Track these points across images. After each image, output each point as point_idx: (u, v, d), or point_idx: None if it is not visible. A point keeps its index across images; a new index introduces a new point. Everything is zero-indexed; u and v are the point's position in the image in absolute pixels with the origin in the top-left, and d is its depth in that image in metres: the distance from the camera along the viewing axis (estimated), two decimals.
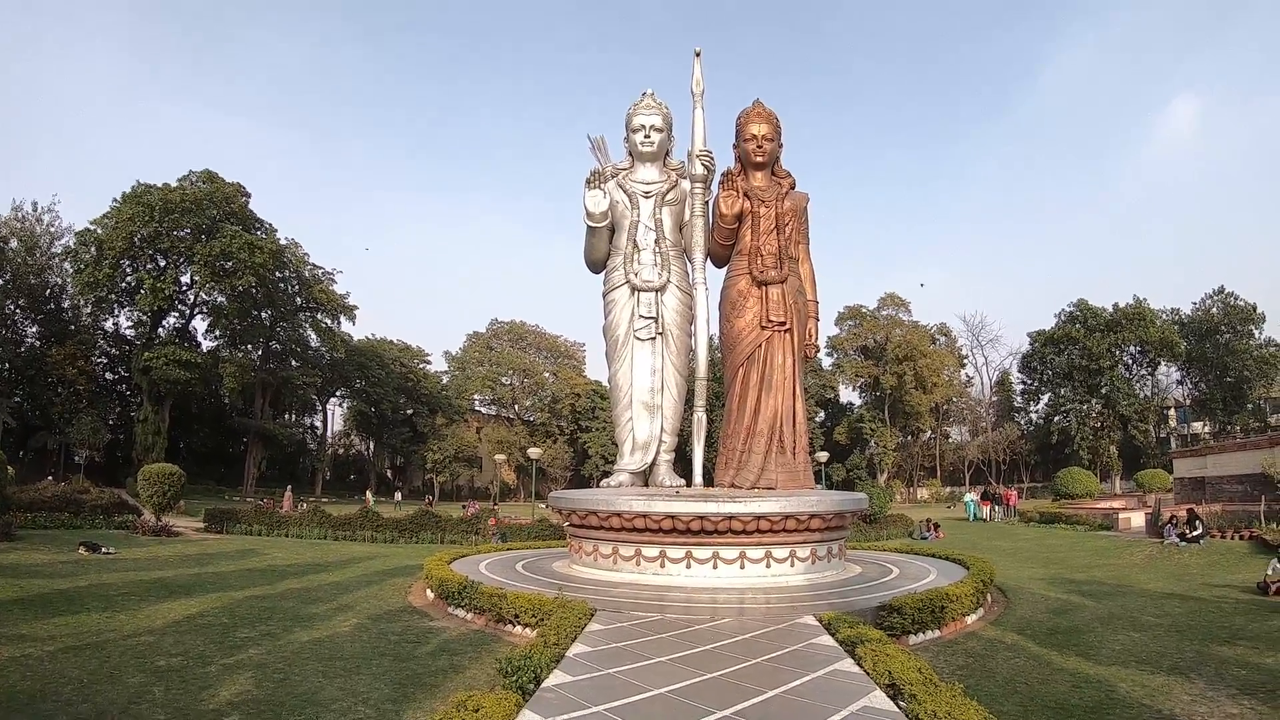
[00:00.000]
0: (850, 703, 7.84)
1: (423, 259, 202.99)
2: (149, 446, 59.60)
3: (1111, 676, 10.24)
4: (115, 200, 60.16)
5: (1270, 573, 16.07)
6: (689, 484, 19.47)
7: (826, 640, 10.84)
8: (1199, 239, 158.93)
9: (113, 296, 63.35)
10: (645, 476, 20.37)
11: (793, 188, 19.72)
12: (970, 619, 14.61)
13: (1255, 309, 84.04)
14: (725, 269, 19.88)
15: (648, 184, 20.42)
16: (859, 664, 9.25)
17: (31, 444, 61.19)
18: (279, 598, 16.14)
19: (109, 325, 69.57)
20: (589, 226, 20.14)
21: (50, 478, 46.92)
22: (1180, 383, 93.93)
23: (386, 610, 15.30)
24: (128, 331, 68.26)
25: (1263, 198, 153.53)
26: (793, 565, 16.88)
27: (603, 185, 19.99)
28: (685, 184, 20.16)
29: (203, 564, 20.64)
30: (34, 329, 65.99)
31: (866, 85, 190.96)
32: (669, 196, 20.35)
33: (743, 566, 16.43)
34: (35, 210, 66.93)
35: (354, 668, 10.54)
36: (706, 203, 19.87)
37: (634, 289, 19.95)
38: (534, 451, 52.60)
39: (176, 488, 30.43)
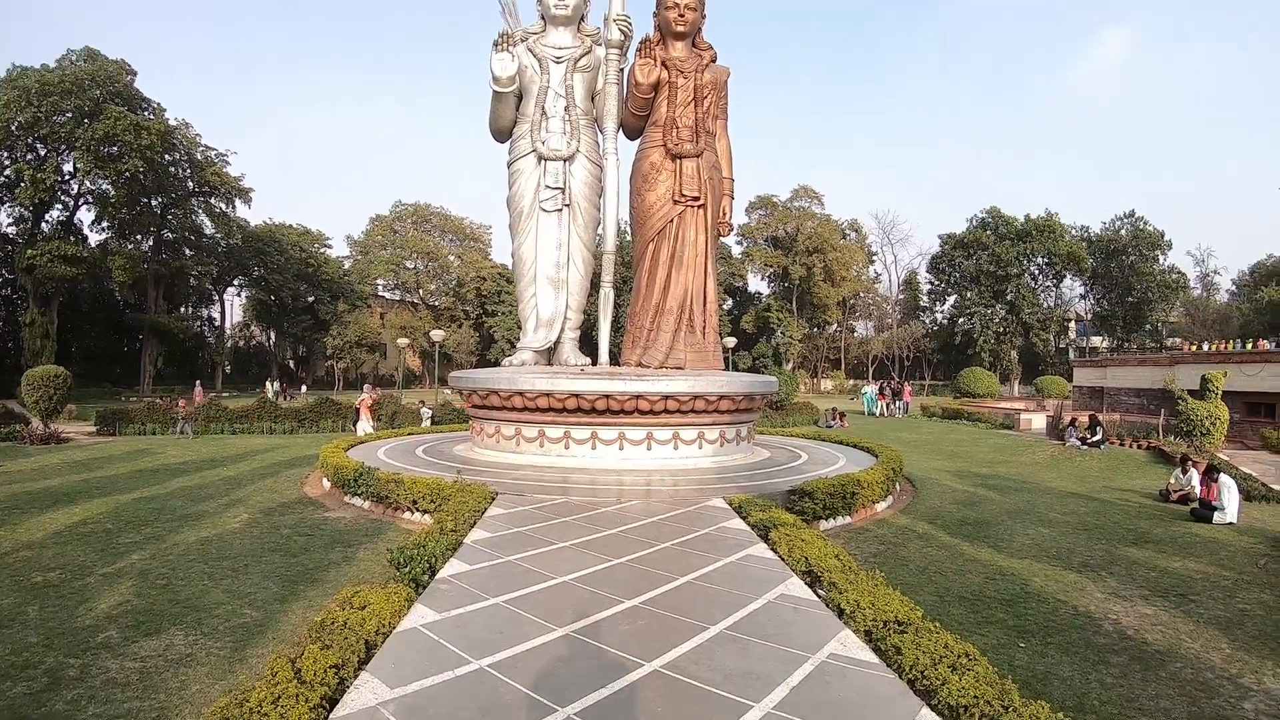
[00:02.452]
0: (766, 590, 7.44)
1: (323, 140, 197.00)
2: (38, 351, 55.98)
3: (1024, 570, 10.27)
4: None
5: (1173, 481, 16.50)
6: (595, 363, 19.02)
7: (738, 524, 10.54)
8: (1114, 165, 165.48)
9: None
10: (549, 355, 19.83)
11: (714, 61, 18.94)
12: (880, 506, 14.60)
13: (1163, 236, 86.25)
14: (638, 141, 19.07)
15: (560, 49, 19.21)
16: (773, 549, 8.92)
17: None
18: (168, 497, 15.22)
19: None
20: (494, 91, 18.91)
21: None
22: (1083, 297, 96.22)
23: (280, 503, 14.61)
24: (9, 230, 63.74)
25: (1179, 135, 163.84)
26: (700, 447, 16.67)
27: (511, 49, 18.79)
28: (600, 50, 19.10)
29: (92, 469, 19.43)
30: None
31: None
32: (581, 62, 19.24)
33: (649, 448, 16.15)
34: None
35: (241, 567, 9.99)
36: (622, 70, 18.92)
37: (541, 158, 18.95)
38: (436, 334, 50.82)
39: (62, 390, 28.56)
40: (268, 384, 63.83)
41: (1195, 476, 15.74)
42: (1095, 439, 25.51)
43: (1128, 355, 66.75)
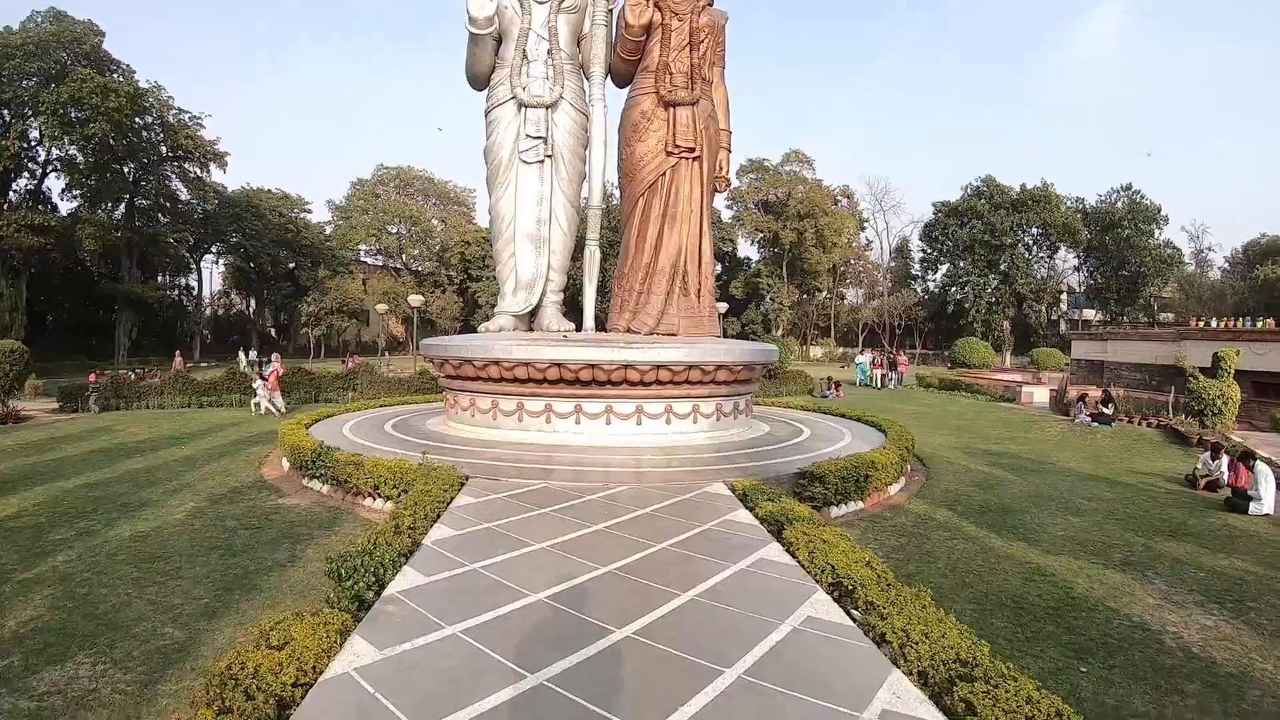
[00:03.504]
0: (788, 611, 6.09)
1: (304, 103, 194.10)
2: (7, 325, 53.60)
3: (1064, 569, 9.23)
4: None
5: (1200, 466, 15.47)
6: (579, 329, 17.70)
7: (744, 516, 9.24)
8: (1110, 140, 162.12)
9: None
10: (530, 320, 18.46)
11: (711, 3, 17.51)
12: (893, 490, 13.45)
13: (1160, 210, 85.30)
14: (628, 88, 17.73)
15: None
16: (790, 552, 7.60)
17: None
18: (114, 483, 13.92)
19: None
20: (471, 34, 17.37)
21: None
22: (1077, 269, 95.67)
23: (232, 488, 13.32)
24: None
25: (1176, 109, 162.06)
26: (695, 421, 15.45)
27: None
28: None
29: (44, 450, 18.08)
30: None
31: None
32: (566, 4, 17.70)
33: (639, 423, 14.91)
34: None
35: (174, 569, 8.77)
36: (610, 12, 17.60)
37: (521, 105, 17.40)
38: (414, 299, 48.48)
39: (19, 366, 26.96)
40: (240, 354, 61.85)
41: (1225, 462, 14.70)
42: (1109, 414, 24.52)
43: (1129, 329, 65.76)
